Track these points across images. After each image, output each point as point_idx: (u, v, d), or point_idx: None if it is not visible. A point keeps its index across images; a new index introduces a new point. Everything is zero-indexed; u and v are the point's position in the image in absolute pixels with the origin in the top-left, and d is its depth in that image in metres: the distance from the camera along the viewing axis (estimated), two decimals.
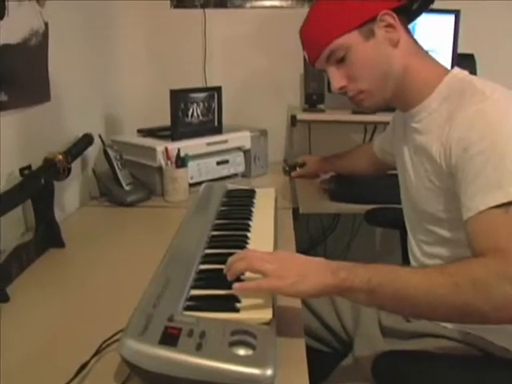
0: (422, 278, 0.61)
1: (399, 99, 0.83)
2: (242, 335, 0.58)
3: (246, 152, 1.55)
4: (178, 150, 1.32)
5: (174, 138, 1.39)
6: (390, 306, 0.63)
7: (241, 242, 0.86)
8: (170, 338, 0.57)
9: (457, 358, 0.76)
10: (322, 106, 1.74)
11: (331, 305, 0.98)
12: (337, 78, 0.82)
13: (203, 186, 1.22)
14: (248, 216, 1.01)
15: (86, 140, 1.22)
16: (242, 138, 1.53)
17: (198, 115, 1.46)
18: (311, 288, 0.63)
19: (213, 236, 0.90)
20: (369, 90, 0.80)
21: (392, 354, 0.76)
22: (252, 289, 0.64)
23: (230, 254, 0.81)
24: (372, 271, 0.63)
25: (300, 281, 0.63)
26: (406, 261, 1.04)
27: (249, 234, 0.91)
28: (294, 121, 1.68)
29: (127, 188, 1.30)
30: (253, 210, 1.05)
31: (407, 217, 0.92)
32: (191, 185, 1.37)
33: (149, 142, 1.39)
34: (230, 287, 0.68)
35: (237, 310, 0.64)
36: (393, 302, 0.62)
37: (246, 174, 1.56)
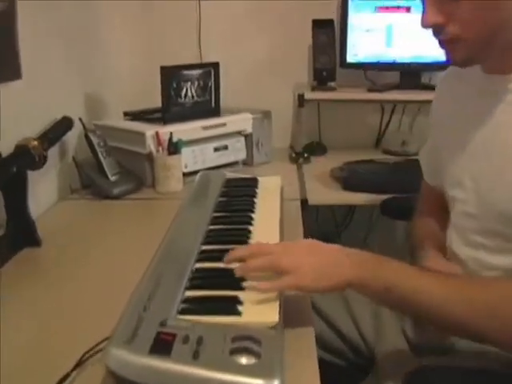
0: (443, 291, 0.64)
1: (502, 58, 0.73)
2: (244, 341, 0.57)
3: (248, 137, 1.54)
4: (170, 134, 1.31)
5: (166, 121, 1.38)
6: (399, 310, 0.68)
7: (242, 237, 0.86)
8: (162, 346, 0.56)
9: (501, 375, 0.74)
10: (333, 84, 1.73)
11: (347, 311, 0.97)
12: (433, 10, 0.70)
13: (199, 174, 1.22)
14: (250, 208, 1.00)
15: (65, 124, 1.21)
16: (243, 121, 1.52)
17: (192, 95, 1.45)
18: (332, 284, 0.66)
19: (210, 230, 0.89)
20: (471, 39, 0.70)
21: (426, 371, 0.75)
22: (271, 289, 0.66)
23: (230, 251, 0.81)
24: (392, 273, 0.66)
25: (320, 277, 0.66)
26: None
27: (251, 228, 0.90)
28: (301, 101, 1.68)
29: (113, 178, 1.30)
30: (255, 201, 1.04)
31: (460, 211, 0.84)
32: (185, 174, 1.36)
33: (137, 125, 1.38)
34: (230, 287, 0.68)
35: (238, 313, 0.63)
36: (402, 308, 0.66)
37: (247, 162, 1.55)
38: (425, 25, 0.72)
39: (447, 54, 0.74)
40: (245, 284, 0.69)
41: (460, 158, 0.82)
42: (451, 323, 0.64)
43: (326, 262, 0.67)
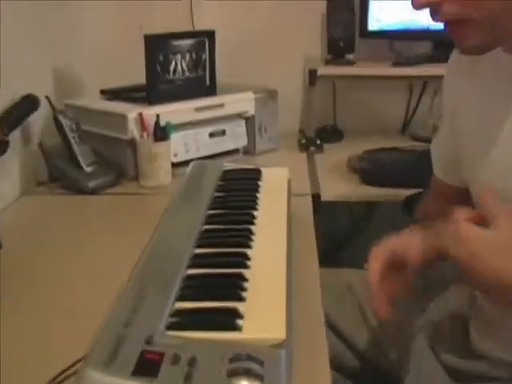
0: None
1: None
2: (244, 362, 0.57)
3: (249, 120, 1.55)
4: (157, 117, 1.32)
5: (151, 100, 1.39)
6: None
7: (242, 239, 0.86)
8: (148, 367, 0.56)
9: None
10: (351, 57, 1.74)
11: (366, 327, 0.99)
12: None
13: (191, 165, 1.22)
14: (252, 205, 1.00)
15: (29, 103, 1.22)
16: (244, 102, 1.53)
17: (182, 70, 1.45)
18: None
19: (205, 231, 0.90)
20: (479, 17, 0.68)
21: None
22: None
23: (229, 255, 0.82)
24: None
25: None
26: None
27: (253, 229, 0.90)
28: (313, 77, 1.68)
29: (87, 169, 1.30)
30: (258, 196, 1.05)
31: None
32: (175, 164, 1.37)
33: (116, 106, 1.39)
34: (227, 297, 0.68)
35: (238, 328, 0.64)
36: None
37: (248, 150, 1.56)
38: (416, 6, 0.70)
39: (456, 42, 0.73)
40: (246, 294, 0.70)
41: (489, 151, 0.82)
42: None
43: None
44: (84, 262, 0.96)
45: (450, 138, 0.95)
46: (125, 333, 0.61)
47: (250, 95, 1.54)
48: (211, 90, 1.50)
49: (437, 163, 1.03)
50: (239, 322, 0.65)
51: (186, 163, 1.29)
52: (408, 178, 1.35)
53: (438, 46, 1.72)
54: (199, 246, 0.84)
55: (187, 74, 1.46)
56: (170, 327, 0.64)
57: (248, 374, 0.56)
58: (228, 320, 0.65)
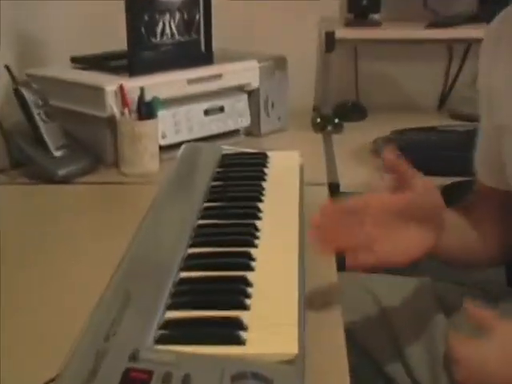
0: None
1: None
2: (249, 381, 0.58)
3: (253, 94, 1.55)
4: (141, 90, 1.32)
5: (134, 70, 1.39)
6: None
7: (245, 236, 0.87)
8: None
9: None
10: (376, 17, 1.74)
11: (393, 345, 1.00)
12: None
13: (183, 148, 1.23)
14: (256, 196, 1.01)
15: None
16: (246, 72, 1.54)
17: (172, 33, 1.46)
18: None
19: (200, 227, 0.91)
20: None
21: None
22: None
23: (229, 255, 0.82)
24: None
25: None
26: None
27: (258, 224, 0.91)
28: (330, 42, 1.68)
29: (57, 154, 1.31)
30: (264, 186, 1.06)
31: None
32: (163, 148, 1.37)
33: (92, 77, 1.39)
34: (229, 305, 0.69)
35: (241, 342, 0.65)
36: None
37: (252, 131, 1.57)
38: None
39: None
40: (250, 301, 0.71)
41: None
42: None
43: None
44: (53, 266, 0.96)
45: (493, 133, 0.98)
46: (105, 347, 0.62)
47: (253, 64, 1.55)
48: (207, 58, 1.51)
49: (480, 165, 1.07)
50: (242, 334, 0.66)
51: (176, 146, 1.30)
52: (446, 164, 1.35)
53: (484, 2, 1.72)
54: (193, 245, 0.85)
55: (177, 37, 1.47)
56: (160, 341, 0.65)
57: None
58: (229, 332, 0.66)
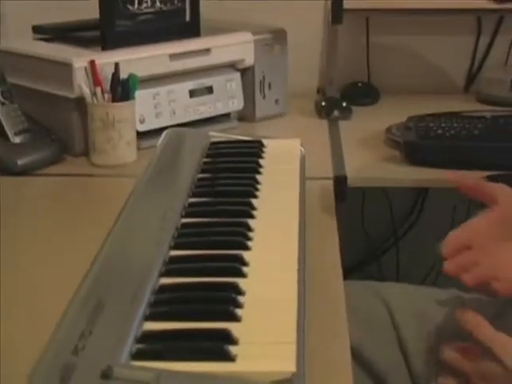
0: None
1: None
2: None
3: (247, 73, 1.56)
4: (116, 66, 1.33)
5: (108, 43, 1.40)
6: None
7: (236, 237, 0.88)
8: None
9: None
10: None
11: (404, 366, 1.02)
12: None
13: (165, 134, 1.24)
14: (250, 190, 1.02)
15: None
16: (239, 46, 1.54)
17: (152, 0, 1.46)
18: None
19: (184, 226, 0.91)
20: None
21: None
22: None
23: (217, 259, 0.83)
24: None
25: None
26: None
27: (252, 223, 0.92)
28: (337, 12, 1.68)
29: (17, 140, 1.32)
30: (259, 179, 1.07)
31: None
32: (142, 134, 1.38)
33: (57, 50, 1.39)
34: (216, 315, 0.70)
35: (230, 358, 0.65)
36: None
37: (246, 115, 1.58)
38: None
39: None
40: (241, 312, 0.72)
41: None
42: None
43: None
44: (14, 271, 0.96)
45: None
46: (73, 362, 0.63)
47: (247, 37, 1.55)
48: (193, 30, 1.52)
49: None
50: (232, 348, 0.66)
51: (157, 132, 1.32)
52: (473, 155, 1.36)
53: None
54: (176, 247, 0.86)
55: (158, 5, 1.47)
56: (137, 356, 0.66)
57: None
58: (217, 346, 0.67)
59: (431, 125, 1.46)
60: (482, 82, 1.88)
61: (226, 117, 1.55)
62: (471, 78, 1.91)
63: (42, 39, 1.49)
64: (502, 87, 1.79)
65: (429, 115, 1.53)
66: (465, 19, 1.86)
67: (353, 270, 1.85)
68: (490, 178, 1.28)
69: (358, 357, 0.99)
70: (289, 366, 0.65)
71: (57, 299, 0.76)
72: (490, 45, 1.88)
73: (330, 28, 1.79)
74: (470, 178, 1.03)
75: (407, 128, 1.46)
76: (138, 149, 1.36)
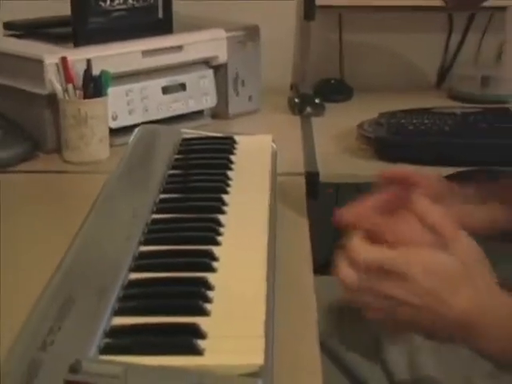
0: None
1: None
2: None
3: (220, 69, 1.56)
4: (88, 63, 1.32)
5: (80, 40, 1.40)
6: None
7: (207, 233, 0.88)
8: None
9: None
10: None
11: (376, 357, 1.03)
12: None
13: (137, 131, 1.24)
14: (221, 186, 1.02)
15: None
16: (212, 43, 1.55)
17: None
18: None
19: (154, 222, 0.92)
20: None
21: None
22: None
23: (187, 254, 0.83)
24: None
25: None
26: None
27: (222, 219, 0.92)
28: (310, 9, 1.69)
29: None
30: (230, 175, 1.07)
31: None
32: (114, 131, 1.38)
33: (28, 47, 1.39)
34: (185, 310, 0.71)
35: (199, 352, 0.66)
36: None
37: (219, 112, 1.59)
38: None
39: None
40: (211, 306, 0.72)
41: None
42: None
43: None
44: None
45: None
46: (41, 357, 0.63)
47: (220, 34, 1.56)
48: (165, 26, 1.51)
49: None
50: (200, 342, 0.66)
51: (129, 129, 1.31)
52: (443, 151, 1.37)
53: None
54: (146, 243, 0.86)
55: (131, 1, 1.47)
56: (105, 350, 0.66)
57: None
58: (185, 340, 0.67)
59: (402, 121, 1.47)
60: (453, 78, 1.89)
61: (199, 114, 1.55)
62: (443, 74, 1.92)
63: (13, 35, 1.49)
64: (473, 84, 1.81)
65: (400, 111, 1.54)
66: (436, 17, 1.87)
67: (325, 266, 1.85)
68: (457, 176, 1.29)
69: (327, 350, 0.99)
70: (256, 360, 0.65)
71: (27, 295, 0.75)
72: (462, 42, 1.90)
73: (302, 25, 1.80)
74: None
75: (379, 124, 1.47)
76: (111, 146, 1.37)
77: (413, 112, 1.53)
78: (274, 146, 1.22)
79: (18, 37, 1.48)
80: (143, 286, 0.77)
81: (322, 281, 0.96)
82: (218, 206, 0.96)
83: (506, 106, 1.63)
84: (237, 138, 1.22)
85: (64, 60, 1.31)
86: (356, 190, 1.89)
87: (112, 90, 1.36)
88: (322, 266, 1.81)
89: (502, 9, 1.73)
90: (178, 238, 0.87)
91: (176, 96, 1.49)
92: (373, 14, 1.82)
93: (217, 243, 0.86)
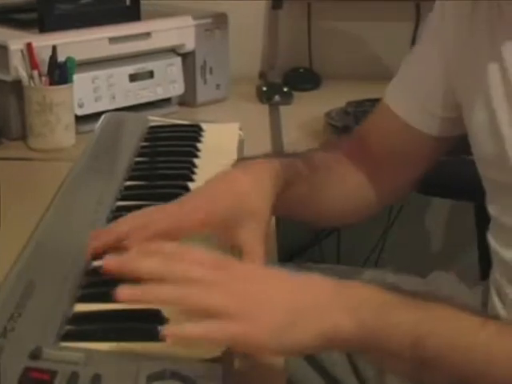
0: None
1: None
2: (168, 381, 0.60)
3: (188, 57, 1.56)
4: (53, 49, 1.32)
5: (45, 26, 1.39)
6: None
7: None
8: None
9: None
10: None
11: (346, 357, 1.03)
12: None
13: (103, 118, 1.24)
14: (187, 174, 1.03)
15: None
16: (180, 31, 1.54)
17: None
18: (310, 339, 0.66)
19: (119, 209, 0.92)
20: None
21: None
22: (192, 336, 0.65)
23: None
24: (422, 319, 0.68)
25: (289, 326, 0.66)
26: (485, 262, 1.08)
27: None
28: None
29: None
30: (196, 163, 1.07)
31: (500, 193, 0.94)
32: (81, 118, 1.38)
33: None
34: None
35: (159, 337, 0.65)
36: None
37: (186, 100, 1.59)
38: None
39: None
40: None
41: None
42: None
43: (299, 304, 0.68)
44: None
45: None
46: (2, 343, 0.63)
47: (188, 21, 1.55)
48: (132, 13, 1.51)
49: (400, 99, 1.05)
50: (161, 328, 0.66)
51: (95, 117, 1.31)
52: None
53: None
54: None
55: None
56: (66, 337, 0.66)
57: None
58: (147, 326, 0.67)
59: (370, 110, 1.47)
60: None
61: (166, 101, 1.55)
62: None
63: None
64: None
65: (368, 100, 1.54)
66: (404, 6, 1.87)
67: (294, 254, 1.86)
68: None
69: None
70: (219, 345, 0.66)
71: None
72: None
73: (271, 13, 1.80)
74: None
75: (346, 113, 1.47)
76: (77, 133, 1.36)
77: (380, 101, 1.54)
78: (242, 134, 1.22)
79: None
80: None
81: (288, 267, 0.96)
82: (183, 194, 0.95)
83: None
84: (204, 125, 1.23)
85: (29, 46, 1.30)
86: None
87: (78, 77, 1.36)
88: (292, 254, 1.83)
89: None
90: None
91: (143, 83, 1.49)
92: (341, 3, 1.82)
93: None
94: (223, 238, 0.84)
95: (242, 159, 1.02)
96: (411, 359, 0.67)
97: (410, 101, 1.02)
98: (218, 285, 0.67)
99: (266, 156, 0.94)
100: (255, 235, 0.82)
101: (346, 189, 1.05)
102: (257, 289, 0.69)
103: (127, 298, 0.64)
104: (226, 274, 0.69)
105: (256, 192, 0.86)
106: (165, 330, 0.64)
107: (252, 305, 0.67)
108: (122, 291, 0.64)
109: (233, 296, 0.67)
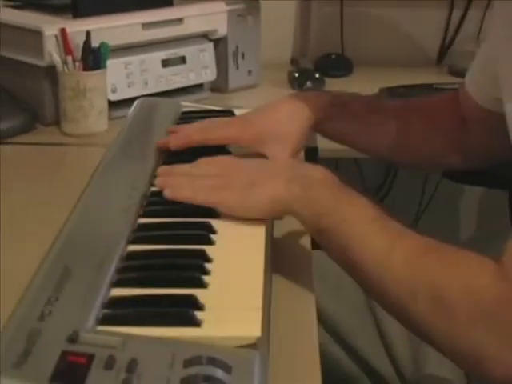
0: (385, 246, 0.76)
1: None
2: (204, 367, 0.60)
3: (220, 43, 1.56)
4: (87, 35, 1.32)
5: (79, 11, 1.39)
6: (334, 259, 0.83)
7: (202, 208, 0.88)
8: (71, 373, 0.59)
9: None
10: None
11: (377, 337, 1.03)
12: None
13: (137, 104, 1.24)
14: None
15: None
16: (212, 17, 1.54)
17: None
18: (261, 200, 0.83)
19: (153, 194, 0.92)
20: None
21: None
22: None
23: (186, 226, 0.84)
24: (336, 205, 0.80)
25: (249, 189, 0.84)
26: None
27: None
28: None
29: None
30: (229, 148, 1.07)
31: None
32: (113, 104, 1.38)
33: (27, 18, 1.39)
34: (182, 282, 0.72)
35: (196, 323, 0.66)
36: (338, 259, 0.83)
37: (219, 86, 1.59)
38: None
39: None
40: (209, 278, 0.73)
41: None
42: (389, 302, 0.76)
43: (259, 175, 0.87)
44: None
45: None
46: (39, 328, 0.63)
47: (221, 7, 1.55)
48: None
49: (471, 80, 1.11)
50: (198, 314, 0.67)
51: (128, 102, 1.31)
52: None
53: None
54: (144, 215, 0.87)
55: None
56: (103, 321, 0.66)
57: (209, 382, 0.59)
58: (183, 312, 0.68)
59: (404, 96, 1.47)
60: (454, 54, 1.89)
61: (198, 87, 1.55)
62: (444, 50, 1.92)
63: (11, 6, 1.48)
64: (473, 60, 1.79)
65: (401, 87, 1.54)
66: None
67: None
68: None
69: (325, 321, 1.00)
70: (254, 332, 0.66)
71: (25, 266, 0.76)
72: (463, 18, 1.89)
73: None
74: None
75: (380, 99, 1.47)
76: (110, 118, 1.36)
77: (413, 87, 1.54)
78: None
79: (17, 8, 1.47)
80: (141, 257, 0.78)
81: (319, 254, 0.96)
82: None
83: None
84: (236, 111, 1.22)
85: (63, 31, 1.31)
86: (355, 164, 1.91)
87: (111, 63, 1.36)
88: None
89: None
90: (176, 211, 0.87)
91: (176, 69, 1.49)
92: None
93: (215, 216, 0.86)
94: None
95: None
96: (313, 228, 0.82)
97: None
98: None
99: (317, 92, 1.19)
100: (278, 155, 1.02)
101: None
102: (244, 165, 0.92)
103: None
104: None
105: (289, 118, 1.06)
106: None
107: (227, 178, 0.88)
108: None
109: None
